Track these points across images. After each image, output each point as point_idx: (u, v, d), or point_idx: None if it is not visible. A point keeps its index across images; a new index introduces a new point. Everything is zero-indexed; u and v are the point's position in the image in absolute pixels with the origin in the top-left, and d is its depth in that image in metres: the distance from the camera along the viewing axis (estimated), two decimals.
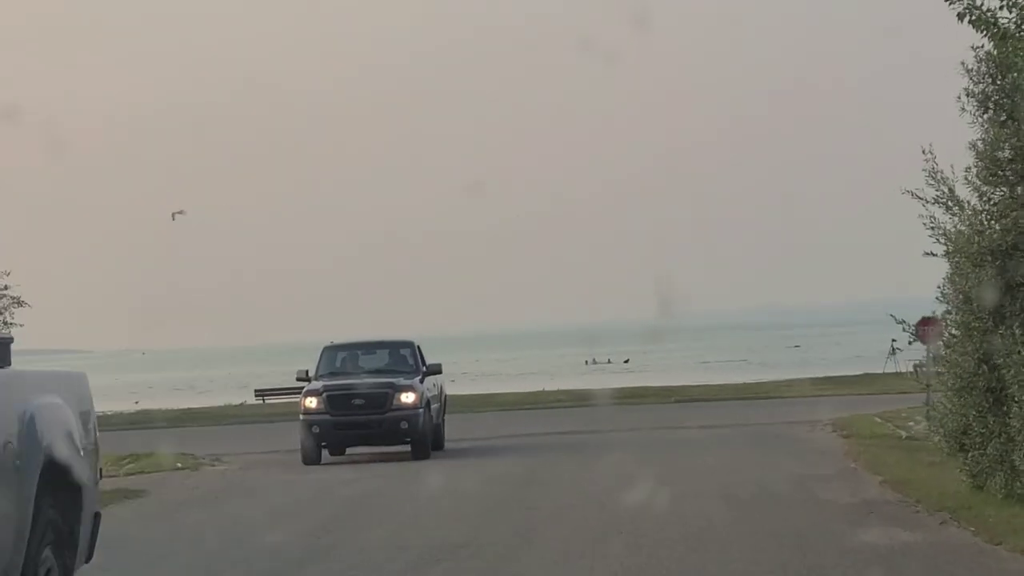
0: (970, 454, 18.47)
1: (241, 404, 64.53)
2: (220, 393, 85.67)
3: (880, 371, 66.27)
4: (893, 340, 64.68)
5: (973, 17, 14.13)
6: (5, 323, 30.25)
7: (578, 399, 53.42)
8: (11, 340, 10.17)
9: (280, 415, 50.65)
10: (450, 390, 74.12)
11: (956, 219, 18.88)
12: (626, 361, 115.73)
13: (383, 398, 28.64)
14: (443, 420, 31.61)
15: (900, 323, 23.07)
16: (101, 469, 11.75)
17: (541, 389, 67.67)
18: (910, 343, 27.91)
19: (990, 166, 18.26)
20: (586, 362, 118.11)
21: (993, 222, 18.16)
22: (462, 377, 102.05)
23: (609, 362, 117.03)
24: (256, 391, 66.81)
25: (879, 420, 33.95)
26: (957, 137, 19.21)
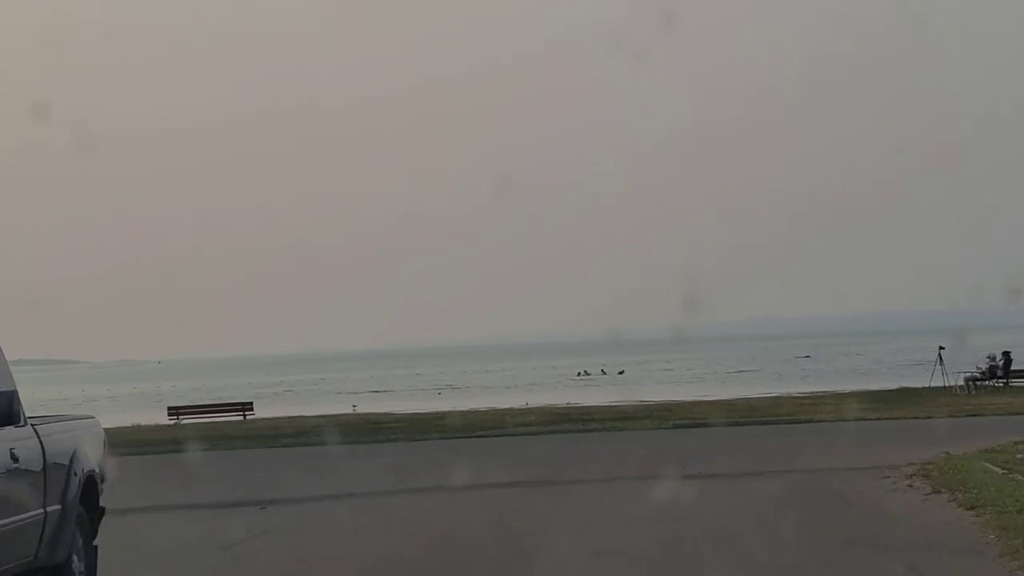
0: None
1: (151, 424, 51.44)
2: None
3: (920, 385, 53.22)
4: (941, 347, 51.49)
5: None
6: None
7: (551, 421, 40.23)
8: None
9: (160, 444, 37.66)
10: (408, 406, 61.88)
11: None
12: (621, 372, 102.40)
13: None
14: (85, 539, 11.82)
15: None
16: None
17: (514, 406, 54.80)
18: None
19: None
20: (579, 374, 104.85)
21: None
22: (447, 391, 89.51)
23: (604, 373, 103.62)
24: (169, 409, 53.65)
25: (996, 469, 20.56)
26: None
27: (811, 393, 56.38)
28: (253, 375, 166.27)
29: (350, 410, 60.20)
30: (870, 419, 35.86)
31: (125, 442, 39.30)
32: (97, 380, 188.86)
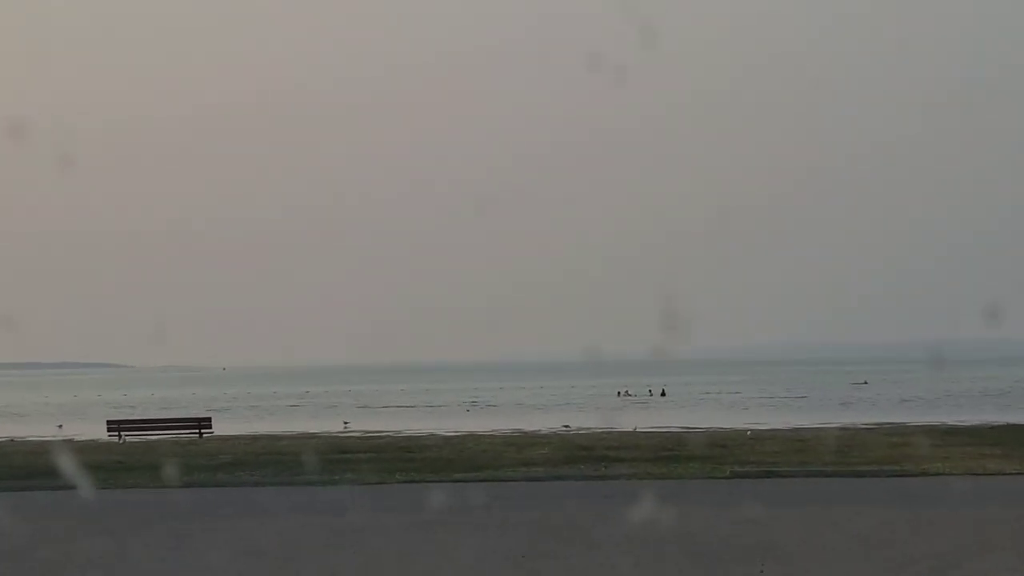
0: None
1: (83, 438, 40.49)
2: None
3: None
4: None
5: None
6: None
7: (565, 460, 28.75)
8: None
9: (38, 473, 26.73)
10: (411, 426, 50.86)
11: None
12: (663, 394, 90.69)
13: None
14: None
15: None
16: None
17: (540, 429, 44.09)
18: None
19: None
20: (619, 393, 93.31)
21: None
22: (476, 408, 78.64)
23: (651, 393, 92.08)
24: (109, 424, 42.50)
25: None
26: None
27: (889, 426, 44.80)
28: (296, 385, 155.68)
29: (341, 428, 49.46)
30: (1009, 473, 24.29)
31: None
32: (149, 384, 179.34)
